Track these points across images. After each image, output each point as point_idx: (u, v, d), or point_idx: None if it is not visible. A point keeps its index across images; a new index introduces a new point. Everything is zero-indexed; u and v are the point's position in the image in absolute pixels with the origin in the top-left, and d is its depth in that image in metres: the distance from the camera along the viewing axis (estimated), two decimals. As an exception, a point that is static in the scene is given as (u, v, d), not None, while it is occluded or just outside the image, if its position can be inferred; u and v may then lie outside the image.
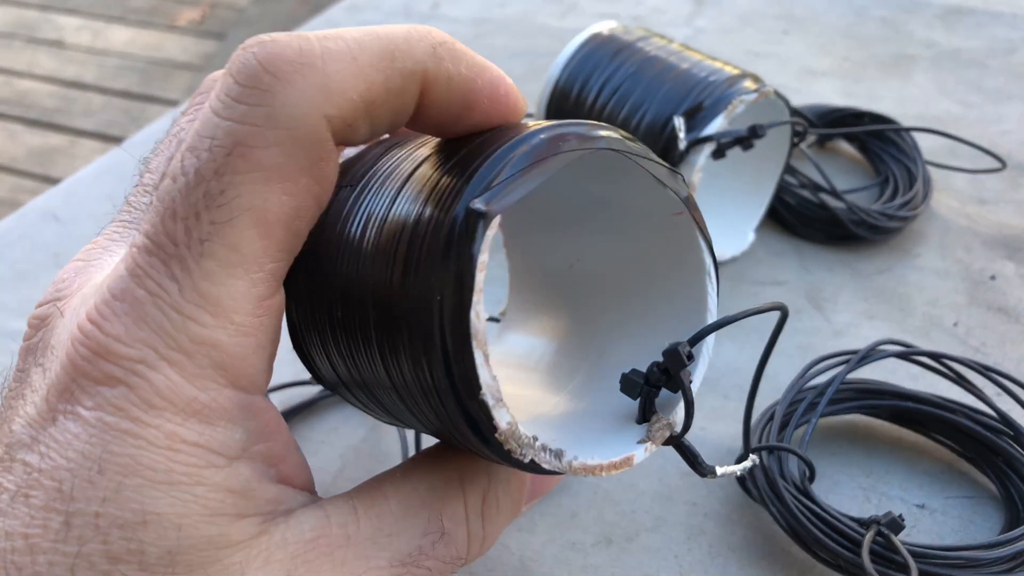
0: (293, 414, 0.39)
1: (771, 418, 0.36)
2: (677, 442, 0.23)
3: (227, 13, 2.37)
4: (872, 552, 0.31)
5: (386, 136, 0.25)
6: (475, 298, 0.19)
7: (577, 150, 0.21)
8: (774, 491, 0.33)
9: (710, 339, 0.24)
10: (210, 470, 0.20)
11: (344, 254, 0.22)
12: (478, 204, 0.19)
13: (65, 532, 0.19)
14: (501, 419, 0.19)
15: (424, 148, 0.23)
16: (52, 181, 1.86)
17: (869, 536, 0.31)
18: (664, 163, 0.23)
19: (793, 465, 0.34)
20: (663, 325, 0.25)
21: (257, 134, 0.20)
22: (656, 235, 0.25)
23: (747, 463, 0.25)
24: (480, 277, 0.19)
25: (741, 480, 0.35)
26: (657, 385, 0.22)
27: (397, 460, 0.37)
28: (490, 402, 0.19)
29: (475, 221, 0.19)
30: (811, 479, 0.33)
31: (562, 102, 0.48)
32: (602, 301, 0.27)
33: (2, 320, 0.45)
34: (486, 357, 0.19)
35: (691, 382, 0.22)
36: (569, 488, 0.36)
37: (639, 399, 0.23)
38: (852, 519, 0.32)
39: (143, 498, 0.19)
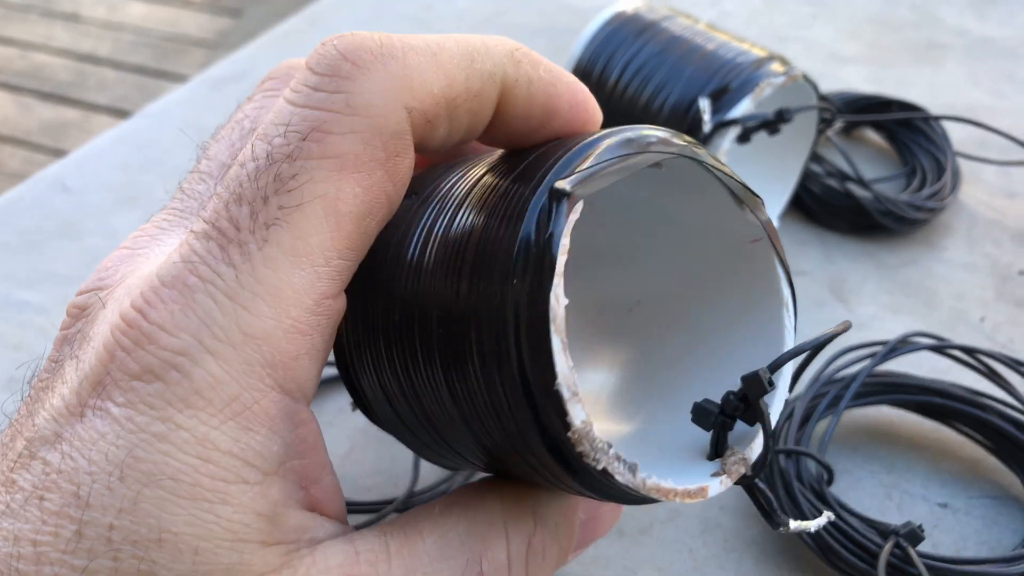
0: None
1: (790, 415, 0.35)
2: (750, 483, 0.21)
3: (243, -10, 2.36)
4: (889, 564, 0.30)
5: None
6: (555, 281, 0.17)
7: (663, 153, 0.19)
8: (789, 496, 0.32)
9: (787, 371, 0.22)
10: (239, 486, 0.18)
11: (402, 269, 0.21)
12: (563, 184, 0.18)
13: (76, 543, 0.18)
14: (576, 415, 0.17)
15: (488, 161, 0.22)
16: (65, 155, 1.86)
17: (886, 550, 0.30)
18: (744, 183, 0.21)
19: (812, 464, 0.33)
20: (735, 357, 0.23)
21: (335, 120, 0.19)
22: (728, 262, 0.23)
23: (821, 520, 0.23)
24: (561, 260, 0.17)
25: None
26: (733, 415, 0.20)
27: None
28: (565, 395, 0.17)
29: (559, 199, 0.18)
30: (829, 482, 0.32)
31: (584, 80, 0.46)
32: (667, 332, 0.25)
33: (10, 290, 0.44)
34: (564, 344, 0.17)
35: (770, 413, 0.20)
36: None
37: (712, 431, 0.21)
38: (870, 525, 0.31)
39: (161, 512, 0.18)
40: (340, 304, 0.20)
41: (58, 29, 2.22)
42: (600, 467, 0.18)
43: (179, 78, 2.05)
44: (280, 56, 0.63)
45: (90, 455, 0.18)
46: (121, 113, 1.96)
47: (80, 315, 0.21)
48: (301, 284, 0.19)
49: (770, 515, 0.21)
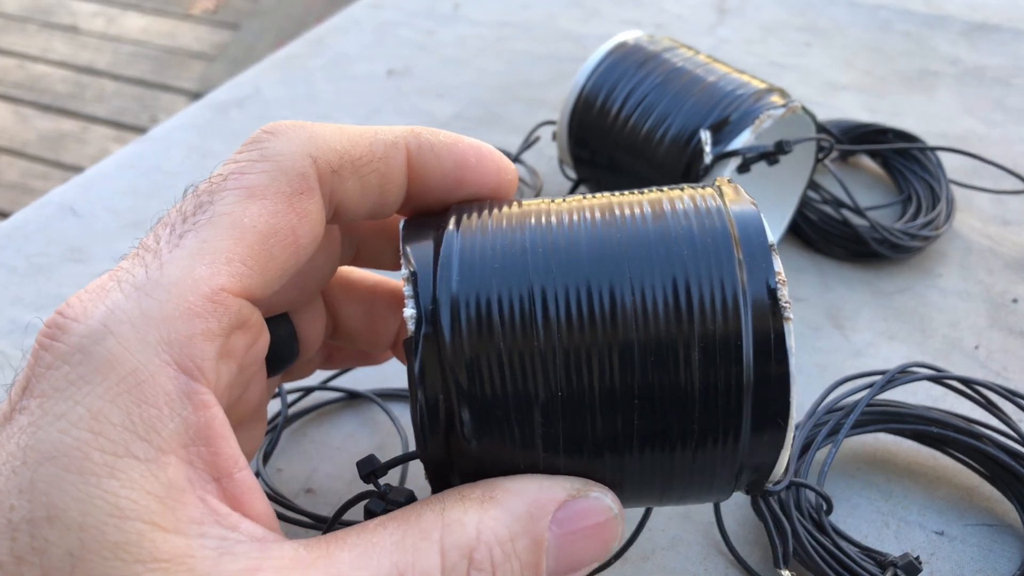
0: (306, 416, 0.39)
1: (790, 443, 0.35)
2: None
3: (242, 3, 2.37)
4: (888, 590, 0.30)
5: None
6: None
7: None
8: (789, 525, 0.32)
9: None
10: (128, 460, 0.18)
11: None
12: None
13: None
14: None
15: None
16: (63, 167, 1.86)
17: None
18: None
19: (811, 492, 0.34)
20: None
21: (249, 165, 0.23)
22: None
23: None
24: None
25: (758, 510, 0.34)
26: None
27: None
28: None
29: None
30: (828, 512, 0.33)
31: (586, 111, 0.48)
32: None
33: (17, 314, 0.45)
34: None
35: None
36: (586, 503, 0.36)
37: None
38: (868, 555, 0.32)
39: (52, 489, 0.18)
40: (239, 305, 0.21)
41: (57, 41, 2.23)
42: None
43: (178, 91, 2.06)
44: (282, 79, 0.64)
45: (8, 448, 0.19)
46: (120, 125, 1.97)
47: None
48: (200, 275, 0.21)
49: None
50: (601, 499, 0.23)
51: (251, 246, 0.22)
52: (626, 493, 0.24)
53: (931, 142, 0.59)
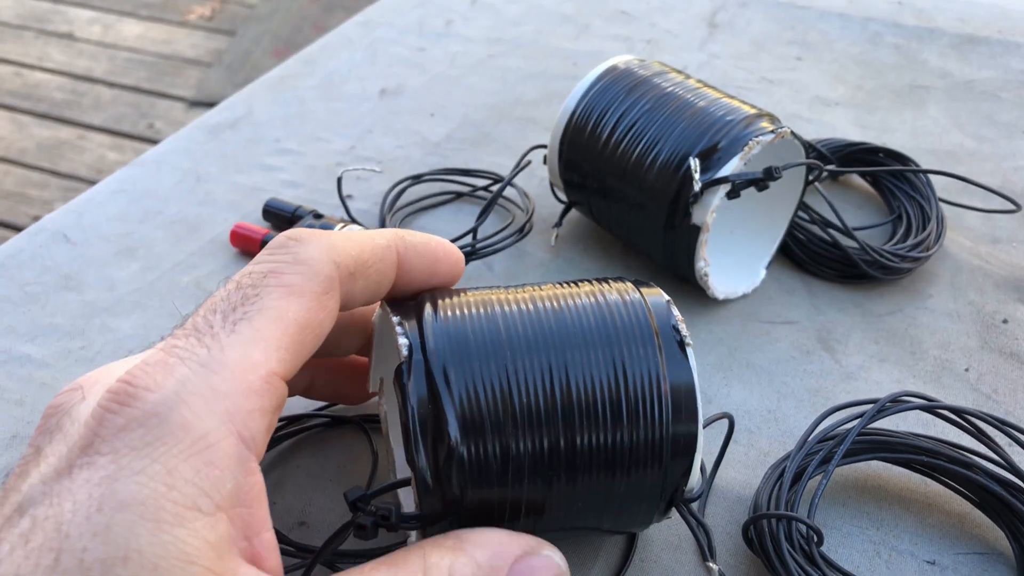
0: (301, 448, 0.39)
1: (781, 474, 0.35)
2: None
3: (238, 9, 2.37)
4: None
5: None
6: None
7: None
8: (779, 557, 0.32)
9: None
10: (194, 513, 0.21)
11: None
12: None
13: (52, 568, 0.20)
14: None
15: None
16: (60, 175, 1.86)
17: None
18: None
19: (802, 524, 0.34)
20: None
21: (286, 265, 0.27)
22: None
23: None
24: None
25: (749, 542, 0.34)
26: None
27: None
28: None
29: None
30: (819, 544, 0.33)
31: (577, 135, 0.48)
32: None
33: (12, 344, 0.45)
34: None
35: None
36: (576, 537, 0.36)
37: None
38: (861, 581, 0.32)
39: (129, 534, 0.20)
40: (283, 389, 0.25)
41: (53, 48, 2.23)
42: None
43: (175, 98, 2.06)
44: (275, 100, 0.64)
45: (76, 498, 0.21)
46: (117, 133, 1.97)
47: (56, 412, 0.25)
48: (257, 359, 0.24)
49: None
50: (551, 557, 0.28)
51: (292, 336, 0.25)
52: (578, 505, 0.31)
53: (921, 158, 0.59)
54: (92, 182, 1.75)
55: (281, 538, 0.34)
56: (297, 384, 0.37)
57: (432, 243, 0.32)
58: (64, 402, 0.25)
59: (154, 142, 1.90)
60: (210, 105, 1.99)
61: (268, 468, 0.38)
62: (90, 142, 1.96)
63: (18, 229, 1.64)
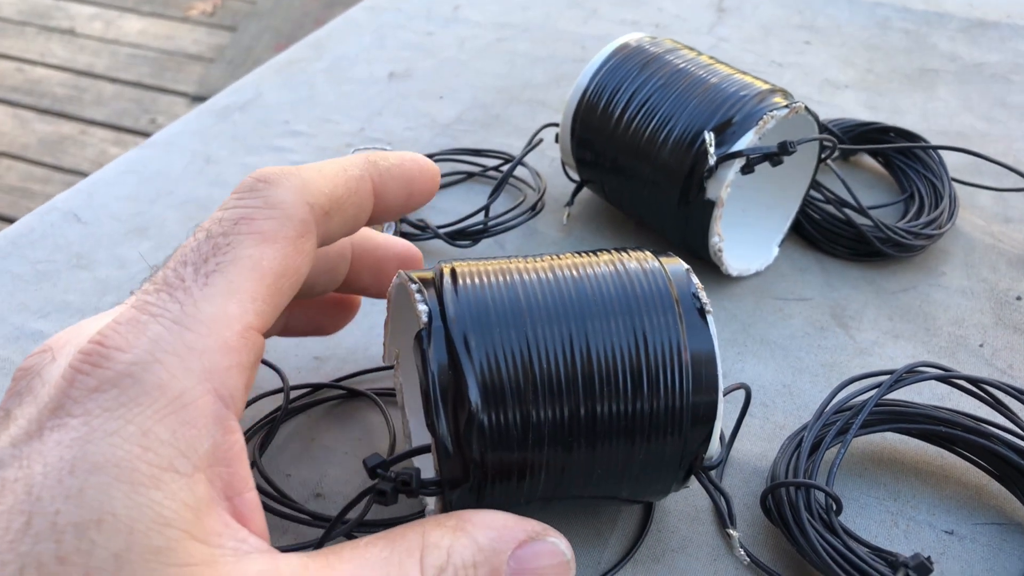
0: (316, 421, 0.39)
1: (799, 444, 0.35)
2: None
3: (239, 5, 2.37)
4: (899, 592, 0.31)
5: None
6: None
7: None
8: (798, 525, 0.32)
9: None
10: (171, 475, 0.21)
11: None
12: None
13: (24, 532, 0.19)
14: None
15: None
16: (63, 170, 1.86)
17: None
18: None
19: (820, 493, 0.34)
20: None
21: (257, 211, 0.25)
22: None
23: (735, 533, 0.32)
24: None
25: (767, 511, 0.34)
26: None
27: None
28: None
29: None
30: (838, 512, 0.33)
31: (589, 113, 0.48)
32: None
33: (24, 321, 0.45)
34: None
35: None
36: (600, 508, 0.36)
37: None
38: (879, 555, 0.32)
39: (103, 497, 0.20)
40: (261, 341, 0.25)
41: (55, 44, 2.22)
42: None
43: (176, 93, 2.06)
44: (283, 83, 0.64)
45: (46, 460, 0.20)
46: (119, 128, 1.97)
47: (26, 374, 0.24)
48: (233, 313, 0.23)
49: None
50: (556, 544, 0.27)
51: (268, 286, 0.24)
52: (598, 473, 0.31)
53: (932, 140, 0.59)
54: (95, 176, 1.75)
55: (298, 509, 0.34)
56: (272, 328, 0.36)
57: (406, 162, 0.30)
58: (34, 364, 0.24)
59: (157, 136, 1.90)
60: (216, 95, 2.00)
61: (283, 441, 0.38)
62: (92, 137, 1.96)
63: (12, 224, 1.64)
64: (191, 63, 2.16)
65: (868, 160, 0.57)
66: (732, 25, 0.73)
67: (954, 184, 0.53)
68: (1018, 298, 0.47)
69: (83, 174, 1.85)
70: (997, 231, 0.52)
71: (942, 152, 0.54)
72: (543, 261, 0.33)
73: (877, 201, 0.53)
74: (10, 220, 1.70)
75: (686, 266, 0.33)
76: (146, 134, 1.95)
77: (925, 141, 0.55)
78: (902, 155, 0.54)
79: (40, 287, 0.47)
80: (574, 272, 0.32)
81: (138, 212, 0.52)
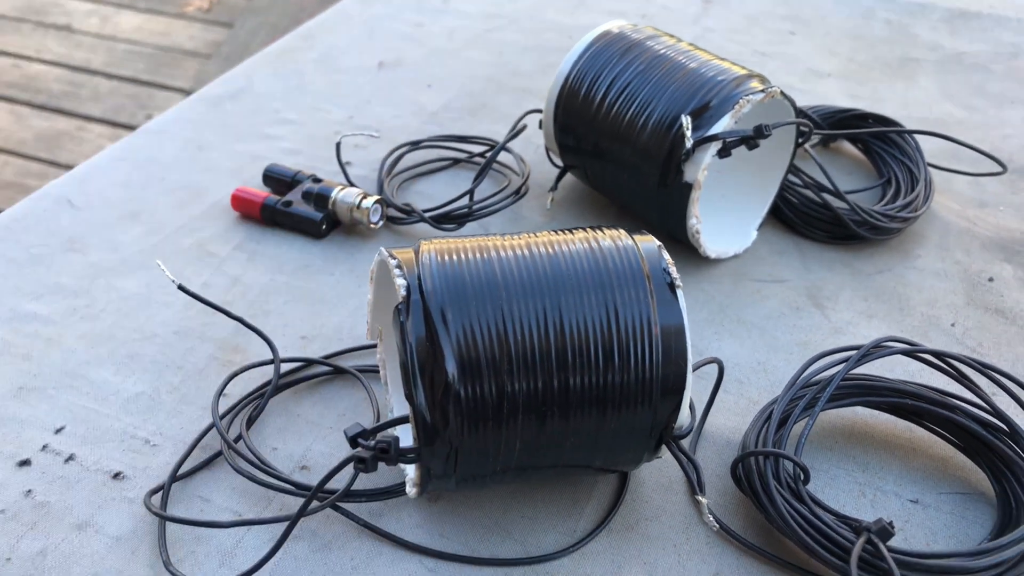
0: (301, 398, 0.40)
1: (769, 417, 0.36)
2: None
3: (235, 1, 2.37)
4: (861, 559, 0.31)
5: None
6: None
7: None
8: (766, 493, 0.33)
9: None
10: None
11: None
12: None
13: None
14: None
15: None
16: (59, 166, 1.87)
17: (859, 545, 0.31)
18: None
19: (789, 463, 0.35)
20: None
21: None
22: None
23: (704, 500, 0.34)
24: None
25: (737, 480, 0.35)
26: None
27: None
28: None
29: None
30: (805, 481, 0.34)
31: (571, 99, 0.49)
32: None
33: (18, 303, 0.46)
34: None
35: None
36: (576, 478, 0.37)
37: None
38: (843, 522, 0.33)
39: None
40: None
41: (51, 40, 2.23)
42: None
43: (173, 89, 2.07)
44: (275, 73, 0.65)
45: None
46: (115, 124, 1.97)
47: None
48: None
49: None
50: None
51: None
52: (571, 442, 0.32)
53: (911, 126, 0.60)
54: (92, 171, 1.76)
55: (283, 479, 0.35)
56: None
57: None
58: None
59: (153, 132, 1.91)
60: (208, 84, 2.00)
61: (271, 416, 0.39)
62: (89, 133, 1.97)
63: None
64: (187, 59, 2.17)
65: (847, 146, 0.58)
66: (718, 15, 0.74)
67: (930, 169, 0.54)
68: (990, 279, 0.48)
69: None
70: (972, 215, 0.53)
71: (919, 138, 0.55)
72: (520, 239, 0.34)
73: (856, 186, 0.55)
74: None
75: (658, 243, 0.34)
76: (143, 129, 1.96)
77: (902, 126, 0.56)
78: (880, 141, 0.56)
79: (34, 270, 0.48)
80: (549, 249, 0.33)
81: (130, 198, 0.53)
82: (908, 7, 0.75)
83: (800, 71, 0.66)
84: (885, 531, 0.32)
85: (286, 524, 0.32)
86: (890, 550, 0.32)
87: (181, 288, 0.39)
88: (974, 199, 0.54)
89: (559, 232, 0.34)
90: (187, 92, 2.07)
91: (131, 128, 1.96)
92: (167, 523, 0.35)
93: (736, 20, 0.73)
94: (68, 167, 1.86)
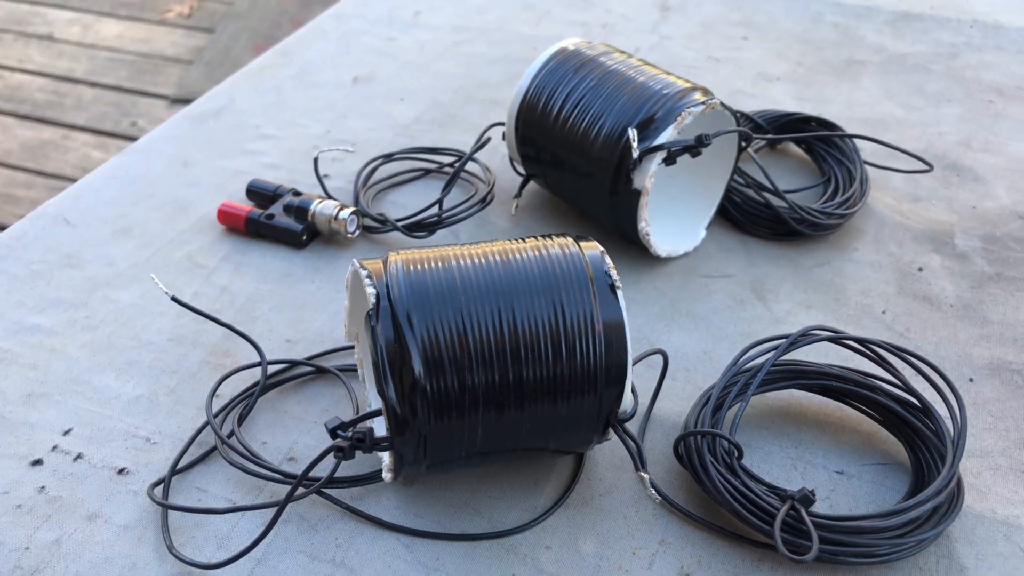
0: (287, 396, 0.44)
1: (707, 400, 0.41)
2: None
3: (216, 6, 2.39)
4: (785, 523, 0.36)
5: None
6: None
7: None
8: (703, 468, 0.38)
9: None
10: None
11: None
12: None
13: None
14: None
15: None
16: (46, 175, 1.89)
17: (782, 512, 0.35)
18: None
19: (724, 441, 0.39)
20: None
21: None
22: None
23: (646, 476, 0.39)
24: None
25: (679, 457, 0.40)
26: None
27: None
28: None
29: None
30: (739, 457, 0.38)
31: (530, 112, 0.53)
32: None
33: (22, 316, 0.49)
34: None
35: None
36: (535, 460, 0.41)
37: None
38: (773, 492, 0.37)
39: None
40: None
41: (33, 50, 2.25)
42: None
43: (156, 96, 2.09)
44: (255, 89, 0.69)
45: None
46: (100, 132, 2.00)
47: None
48: None
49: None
50: None
51: None
52: (527, 428, 0.36)
53: (854, 128, 0.64)
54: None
55: (272, 470, 0.39)
56: None
57: None
58: None
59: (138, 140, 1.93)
60: (192, 102, 2.03)
61: (260, 413, 0.43)
62: (74, 142, 1.99)
63: (5, 229, 1.67)
64: (170, 65, 2.19)
65: (793, 148, 0.62)
66: (675, 23, 0.78)
67: (868, 168, 0.58)
68: (920, 269, 0.53)
69: (66, 178, 1.88)
70: (906, 209, 0.57)
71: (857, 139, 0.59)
72: (477, 248, 0.38)
73: (800, 185, 0.59)
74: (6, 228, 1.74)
75: (601, 249, 0.38)
76: (127, 137, 1.98)
77: (842, 130, 0.60)
78: (821, 143, 0.60)
79: (35, 285, 0.51)
80: (503, 257, 0.37)
81: (122, 214, 0.56)
82: (855, 10, 0.79)
83: (751, 76, 0.71)
84: (807, 498, 0.36)
85: (276, 509, 0.36)
86: (811, 515, 0.36)
87: (174, 299, 0.43)
88: (909, 194, 0.58)
89: (513, 241, 0.38)
90: (171, 99, 2.10)
91: (116, 136, 1.99)
92: (169, 511, 0.39)
93: (692, 27, 0.77)
94: (55, 176, 1.88)
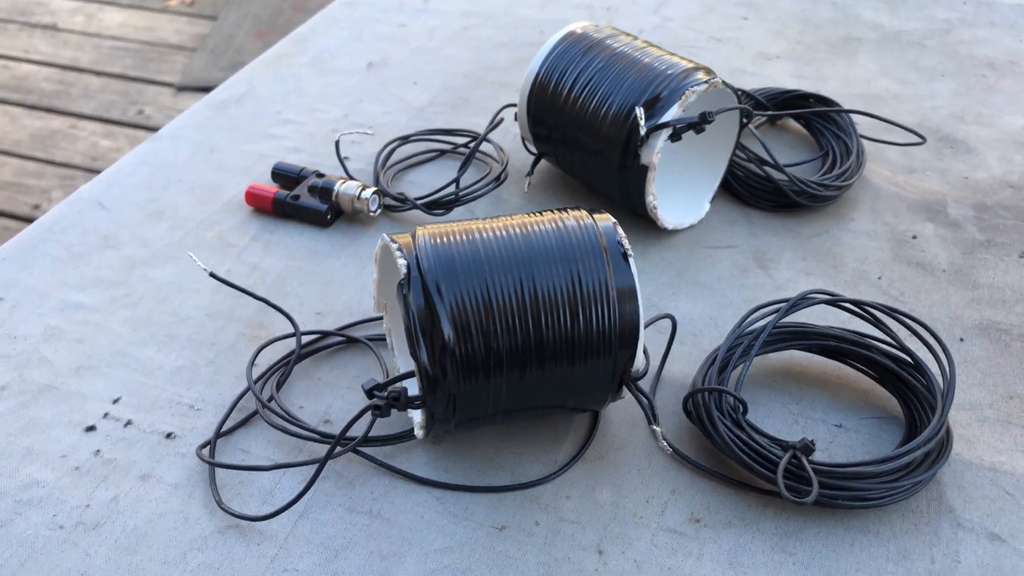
0: (320, 364, 0.47)
1: (713, 361, 0.44)
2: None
3: (217, -7, 2.41)
4: (787, 471, 0.39)
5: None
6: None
7: None
8: (711, 422, 0.41)
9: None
10: None
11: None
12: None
13: None
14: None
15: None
16: (56, 164, 1.92)
17: (784, 460, 0.38)
18: None
19: (730, 397, 0.42)
20: None
21: None
22: None
23: (658, 429, 0.42)
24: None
25: (688, 413, 0.43)
26: None
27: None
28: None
29: None
30: (744, 412, 0.41)
31: (541, 93, 0.55)
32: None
33: (66, 295, 0.52)
34: None
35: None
36: (554, 417, 0.44)
37: None
38: (775, 443, 0.40)
39: None
40: None
41: (38, 40, 2.27)
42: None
43: (161, 84, 2.11)
44: (273, 77, 0.71)
45: None
46: (107, 121, 2.02)
47: None
48: None
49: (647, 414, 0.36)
50: None
51: None
52: (547, 387, 0.38)
53: (851, 103, 0.66)
54: (88, 169, 1.81)
55: (311, 430, 0.42)
56: None
57: None
58: None
59: (146, 127, 1.96)
60: (197, 89, 2.05)
61: (295, 380, 0.46)
62: (82, 130, 2.02)
63: (18, 218, 1.70)
64: (174, 53, 2.21)
65: (792, 123, 0.65)
66: (677, 5, 0.80)
67: (864, 141, 0.61)
68: (913, 237, 0.56)
69: (76, 167, 1.91)
70: (901, 181, 0.60)
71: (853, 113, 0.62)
72: (498, 221, 0.40)
73: (799, 159, 0.61)
74: (9, 215, 1.76)
75: (613, 220, 0.40)
76: (135, 125, 2.01)
77: (839, 105, 0.63)
78: (819, 118, 0.62)
79: (76, 266, 0.54)
80: (523, 229, 0.40)
81: (153, 198, 0.59)
82: (852, -12, 0.82)
83: (751, 55, 0.73)
84: (807, 447, 0.39)
85: (316, 466, 0.39)
86: (812, 463, 0.39)
87: (212, 275, 0.46)
88: (904, 166, 0.61)
89: (530, 214, 0.41)
90: (176, 86, 2.12)
91: (124, 124, 2.01)
92: (216, 470, 0.42)
93: (693, 8, 0.80)
94: (65, 165, 1.91)
